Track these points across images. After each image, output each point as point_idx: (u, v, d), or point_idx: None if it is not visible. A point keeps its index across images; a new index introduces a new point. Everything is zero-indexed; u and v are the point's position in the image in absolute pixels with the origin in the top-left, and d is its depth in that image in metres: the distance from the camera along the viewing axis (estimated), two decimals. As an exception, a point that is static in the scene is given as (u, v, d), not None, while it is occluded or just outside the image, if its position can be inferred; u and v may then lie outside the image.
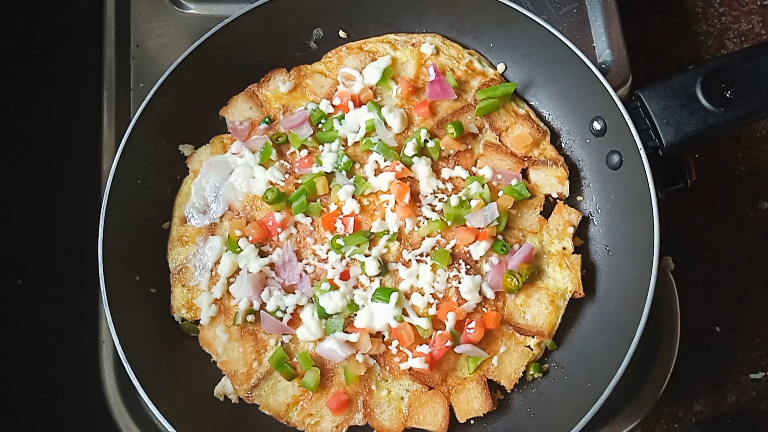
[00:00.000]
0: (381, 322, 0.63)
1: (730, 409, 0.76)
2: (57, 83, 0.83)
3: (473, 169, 0.69)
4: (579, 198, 0.70)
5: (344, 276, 0.64)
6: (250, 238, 0.66)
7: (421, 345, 0.63)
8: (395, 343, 0.63)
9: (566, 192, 0.69)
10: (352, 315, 0.64)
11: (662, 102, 0.62)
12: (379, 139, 0.68)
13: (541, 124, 0.70)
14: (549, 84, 0.71)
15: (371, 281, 0.65)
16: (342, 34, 0.74)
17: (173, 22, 0.84)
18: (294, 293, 0.64)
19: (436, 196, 0.67)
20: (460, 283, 0.64)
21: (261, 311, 0.65)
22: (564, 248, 0.66)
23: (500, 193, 0.67)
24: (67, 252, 0.75)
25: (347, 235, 0.66)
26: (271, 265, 0.66)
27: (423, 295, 0.64)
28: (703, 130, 0.62)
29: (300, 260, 0.66)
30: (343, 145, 0.69)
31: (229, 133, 0.71)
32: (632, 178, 0.63)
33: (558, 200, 0.69)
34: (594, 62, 0.67)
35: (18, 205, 0.77)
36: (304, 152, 0.69)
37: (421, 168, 0.67)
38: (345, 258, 0.65)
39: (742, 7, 0.88)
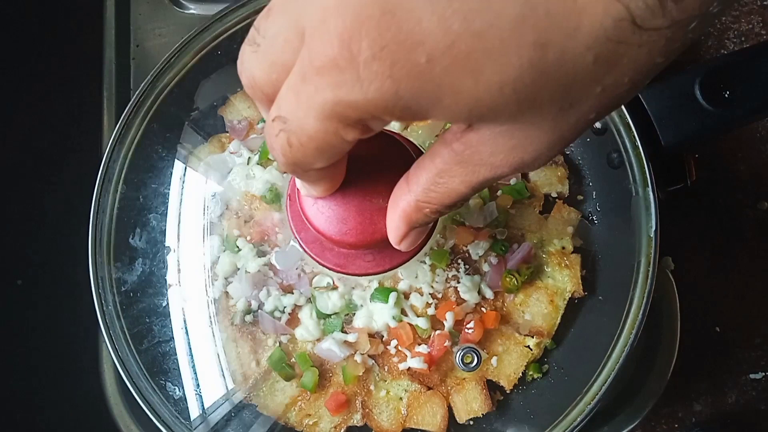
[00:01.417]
0: (380, 322, 0.63)
1: (730, 409, 0.75)
2: (57, 83, 0.83)
3: (472, 168, 0.69)
4: (579, 197, 0.69)
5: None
6: (249, 238, 0.66)
7: (419, 345, 0.63)
8: (394, 342, 0.63)
9: (566, 191, 0.69)
10: (350, 315, 0.64)
11: (661, 102, 0.62)
12: (378, 139, 0.67)
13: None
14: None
15: (369, 281, 0.64)
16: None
17: (173, 23, 0.84)
18: (292, 293, 0.64)
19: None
20: (458, 282, 0.64)
21: (259, 311, 0.64)
22: (563, 248, 0.66)
23: (499, 193, 0.67)
24: (67, 252, 0.75)
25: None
26: (270, 265, 0.66)
27: (422, 295, 0.64)
28: (702, 131, 0.62)
29: (298, 260, 0.66)
30: (341, 145, 0.69)
31: (228, 132, 0.71)
32: (632, 177, 0.63)
33: (557, 199, 0.68)
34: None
35: (18, 206, 0.77)
36: (303, 152, 0.69)
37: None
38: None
39: (742, 7, 0.88)
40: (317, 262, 0.46)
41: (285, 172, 0.67)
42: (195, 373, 0.65)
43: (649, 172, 0.61)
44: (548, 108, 0.27)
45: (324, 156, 0.30)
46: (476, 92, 0.26)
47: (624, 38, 0.25)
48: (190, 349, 0.66)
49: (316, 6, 0.26)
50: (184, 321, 0.66)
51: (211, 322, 0.66)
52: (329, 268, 0.47)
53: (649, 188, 0.60)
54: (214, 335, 0.65)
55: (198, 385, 0.65)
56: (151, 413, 0.62)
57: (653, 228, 0.60)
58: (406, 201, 0.35)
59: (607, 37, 0.25)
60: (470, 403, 0.63)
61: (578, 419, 0.59)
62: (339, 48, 0.25)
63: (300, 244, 0.46)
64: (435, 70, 0.25)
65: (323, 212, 0.40)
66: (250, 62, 0.31)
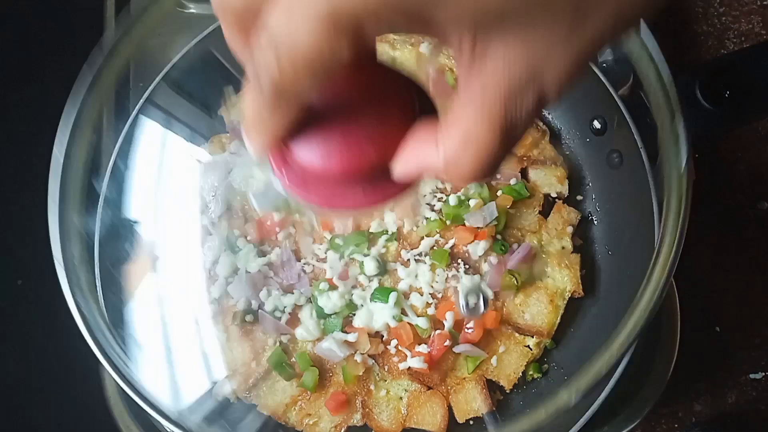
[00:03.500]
0: (380, 322, 0.63)
1: (730, 409, 0.75)
2: (57, 83, 0.83)
3: (472, 168, 0.69)
4: (579, 197, 0.70)
5: (343, 276, 0.64)
6: (249, 238, 0.66)
7: (419, 345, 0.63)
8: (394, 342, 0.63)
9: (566, 191, 0.69)
10: (350, 315, 0.64)
11: (661, 102, 0.62)
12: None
13: (541, 123, 0.70)
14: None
15: (370, 281, 0.65)
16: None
17: (173, 22, 0.84)
18: (292, 293, 0.64)
19: (435, 196, 0.67)
20: (459, 282, 0.64)
21: (259, 311, 0.65)
22: (563, 248, 0.66)
23: (499, 193, 0.67)
24: (66, 252, 0.75)
25: (346, 234, 0.65)
26: (270, 265, 0.66)
27: (422, 295, 0.64)
28: (703, 130, 0.61)
29: (298, 260, 0.66)
30: (342, 145, 0.69)
31: (228, 132, 0.71)
32: (632, 177, 0.63)
33: (557, 200, 0.68)
34: (595, 62, 0.67)
35: (18, 205, 0.77)
36: (303, 152, 0.69)
37: (420, 168, 0.66)
38: (344, 258, 0.65)
39: (742, 7, 0.88)
40: (301, 198, 0.43)
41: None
42: (194, 373, 0.66)
43: (650, 172, 0.60)
44: (560, 11, 0.26)
45: (315, 76, 0.29)
46: None
47: None
48: (190, 348, 0.66)
49: None
50: (184, 321, 0.67)
51: (211, 322, 0.66)
52: (315, 204, 0.43)
53: (650, 188, 0.60)
54: (214, 335, 0.65)
55: (197, 384, 0.65)
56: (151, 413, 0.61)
57: (653, 227, 0.59)
58: (434, 162, 0.33)
59: None
60: (470, 403, 0.63)
61: (578, 419, 0.59)
62: None
63: (283, 181, 0.43)
64: None
65: (307, 141, 0.38)
66: None
